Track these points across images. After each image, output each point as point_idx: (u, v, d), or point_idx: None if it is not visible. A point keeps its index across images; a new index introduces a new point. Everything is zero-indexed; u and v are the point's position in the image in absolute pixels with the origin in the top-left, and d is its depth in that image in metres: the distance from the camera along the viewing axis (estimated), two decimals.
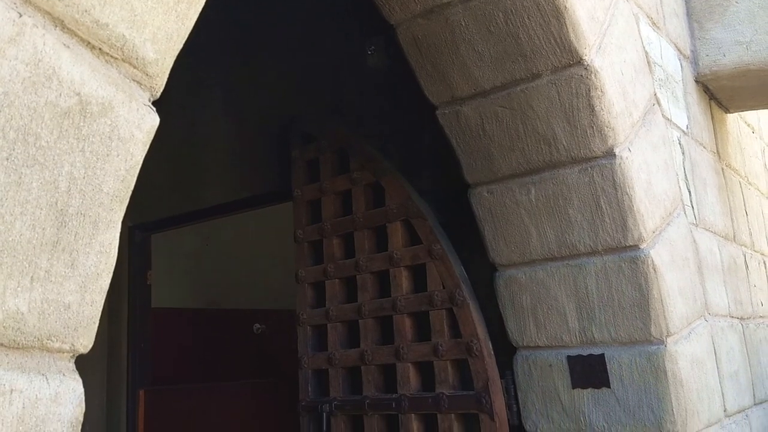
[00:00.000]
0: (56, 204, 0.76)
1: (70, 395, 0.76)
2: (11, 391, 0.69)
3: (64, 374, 0.77)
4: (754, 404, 3.10)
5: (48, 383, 0.74)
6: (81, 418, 0.78)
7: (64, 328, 0.77)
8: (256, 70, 3.99)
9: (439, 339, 2.85)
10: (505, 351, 2.74)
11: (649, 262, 2.39)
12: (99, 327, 3.45)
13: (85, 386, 3.29)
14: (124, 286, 4.61)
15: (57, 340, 0.76)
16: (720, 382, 2.70)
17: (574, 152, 2.40)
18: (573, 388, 2.51)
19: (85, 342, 0.81)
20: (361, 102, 3.40)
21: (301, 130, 3.53)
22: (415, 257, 2.97)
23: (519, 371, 2.68)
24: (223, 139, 4.24)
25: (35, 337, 0.73)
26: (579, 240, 2.50)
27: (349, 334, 3.24)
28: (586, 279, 2.50)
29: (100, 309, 0.83)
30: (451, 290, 2.83)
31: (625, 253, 2.43)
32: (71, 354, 0.79)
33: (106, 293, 0.84)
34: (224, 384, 4.34)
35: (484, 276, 2.81)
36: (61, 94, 0.76)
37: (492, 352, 2.72)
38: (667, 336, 2.38)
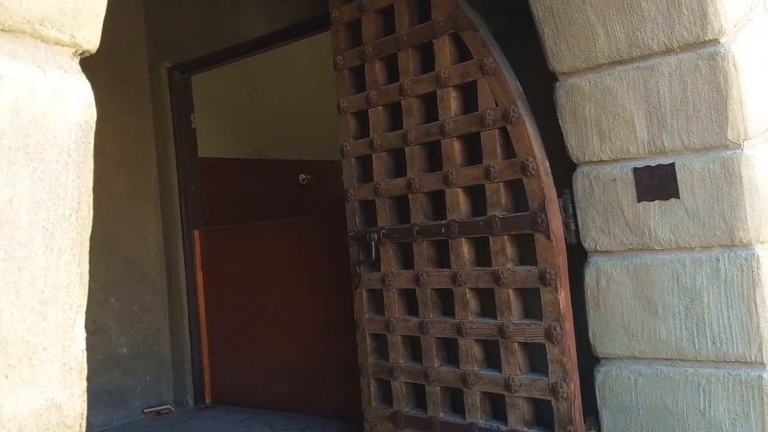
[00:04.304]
0: None
1: (75, 95, 0.64)
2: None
3: (66, 71, 0.64)
4: None
5: (46, 76, 0.61)
6: (92, 124, 0.66)
7: (59, 13, 0.62)
8: None
9: (491, 161, 2.70)
10: (563, 170, 2.58)
11: (730, 59, 2.14)
12: (148, 170, 3.40)
13: (141, 227, 3.28)
14: (170, 131, 4.56)
15: (52, 27, 0.62)
16: None
17: None
18: (638, 202, 2.36)
19: (88, 36, 0.67)
20: None
21: None
22: (465, 74, 2.76)
23: (579, 188, 2.53)
24: None
25: (24, 19, 0.59)
26: (652, 37, 2.24)
27: (395, 163, 3.12)
28: (659, 82, 2.27)
29: (105, 1, 0.68)
30: (504, 107, 2.63)
31: (703, 49, 2.18)
32: (73, 49, 0.66)
33: None
34: (275, 222, 4.36)
35: (541, 90, 2.60)
36: None
37: (549, 171, 2.56)
38: (744, 140, 2.18)
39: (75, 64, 0.66)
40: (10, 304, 0.55)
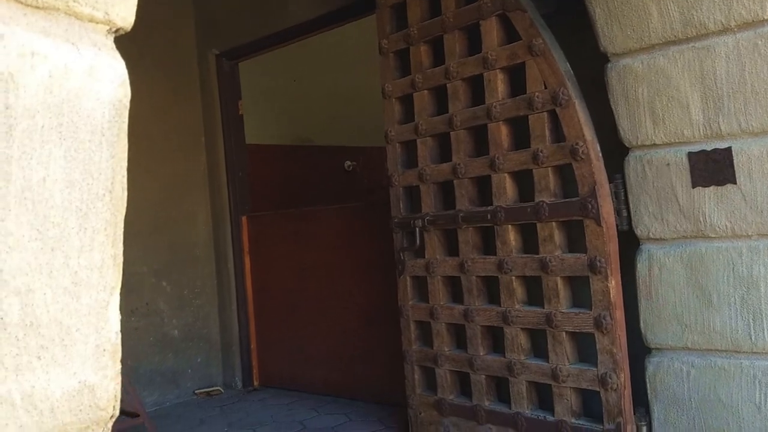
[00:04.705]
0: None
1: (109, 72, 0.63)
2: (32, 53, 0.55)
3: (99, 48, 0.63)
4: None
5: (80, 53, 0.60)
6: (126, 103, 0.65)
7: None
8: None
9: (539, 145, 2.64)
10: (614, 155, 2.50)
11: None
12: (198, 157, 3.52)
13: (191, 213, 3.40)
14: (218, 118, 4.62)
15: (86, 4, 0.61)
16: None
17: None
18: (693, 188, 2.27)
19: (122, 13, 0.66)
20: None
21: None
22: (513, 56, 2.70)
23: (631, 173, 2.44)
24: None
25: None
26: (708, 16, 2.14)
27: (440, 149, 3.08)
28: (715, 63, 2.17)
29: None
30: (554, 89, 2.56)
31: (762, 27, 2.07)
32: (108, 27, 0.65)
33: None
34: (320, 208, 4.38)
35: (591, 72, 2.52)
36: None
37: (600, 155, 2.49)
38: None
39: (109, 42, 0.65)
40: (43, 284, 0.55)
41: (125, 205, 0.65)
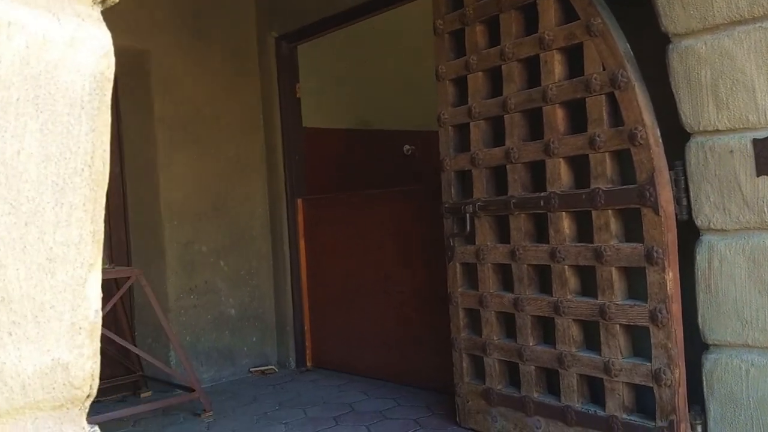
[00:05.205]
0: None
1: (91, 43, 0.61)
2: (9, 23, 0.54)
3: (83, 19, 0.61)
4: None
5: (60, 24, 0.58)
6: (109, 75, 0.63)
7: None
8: None
9: (596, 129, 2.53)
10: (674, 141, 2.37)
11: None
12: (256, 139, 3.62)
13: (248, 195, 3.47)
14: (276, 102, 4.65)
15: None
16: None
17: None
18: (757, 176, 2.13)
19: None
20: None
21: None
22: (571, 36, 2.59)
23: (692, 160, 2.31)
24: None
25: None
26: None
27: (494, 132, 3.00)
28: None
29: None
30: (612, 71, 2.45)
31: None
32: None
33: None
34: (376, 191, 4.35)
35: (651, 54, 2.39)
36: None
37: (659, 140, 2.36)
38: None
39: (95, 13, 0.63)
40: (16, 259, 0.55)
41: (107, 180, 0.64)
